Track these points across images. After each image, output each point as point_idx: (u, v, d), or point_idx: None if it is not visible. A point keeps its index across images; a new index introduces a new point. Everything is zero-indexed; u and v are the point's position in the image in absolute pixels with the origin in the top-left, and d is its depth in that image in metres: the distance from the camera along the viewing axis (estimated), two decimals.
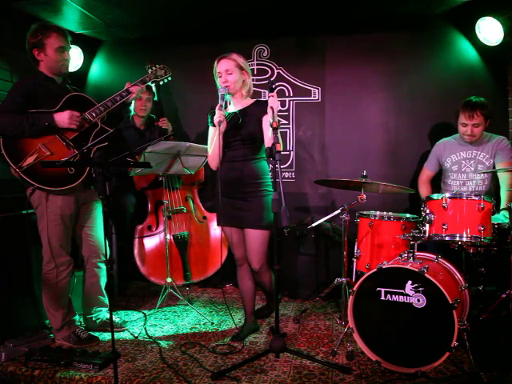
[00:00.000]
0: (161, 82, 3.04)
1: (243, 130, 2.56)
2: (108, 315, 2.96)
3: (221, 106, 2.49)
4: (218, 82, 2.61)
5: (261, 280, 2.75)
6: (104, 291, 2.90)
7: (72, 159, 2.46)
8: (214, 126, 2.62)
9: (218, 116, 2.46)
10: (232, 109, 2.67)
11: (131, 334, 2.85)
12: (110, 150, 2.72)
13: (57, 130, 2.49)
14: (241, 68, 2.57)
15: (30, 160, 2.42)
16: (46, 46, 2.51)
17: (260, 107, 2.57)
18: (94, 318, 2.87)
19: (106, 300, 2.92)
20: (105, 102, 2.65)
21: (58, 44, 2.53)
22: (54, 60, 2.54)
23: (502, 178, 3.02)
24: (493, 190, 3.08)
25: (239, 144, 2.59)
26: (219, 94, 2.54)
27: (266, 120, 2.50)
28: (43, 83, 2.56)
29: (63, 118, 2.49)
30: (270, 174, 2.65)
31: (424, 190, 3.29)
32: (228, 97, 2.62)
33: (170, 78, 3.05)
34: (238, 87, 2.59)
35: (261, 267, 2.63)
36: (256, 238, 2.58)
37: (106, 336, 2.79)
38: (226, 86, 2.55)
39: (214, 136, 2.62)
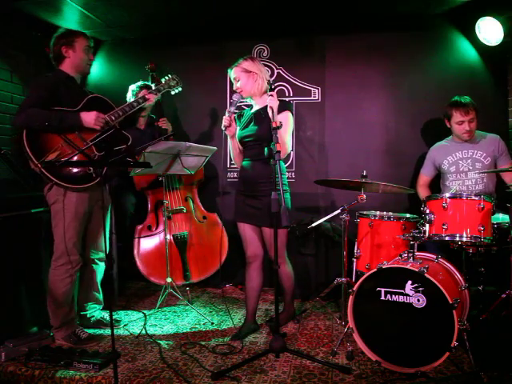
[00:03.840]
0: (172, 92, 3.14)
1: (257, 131, 2.67)
2: (102, 314, 3.00)
3: (229, 111, 2.65)
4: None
5: (280, 275, 2.78)
6: (100, 288, 2.94)
7: (72, 159, 2.47)
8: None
9: (223, 121, 2.65)
10: (254, 109, 2.80)
11: (131, 334, 2.85)
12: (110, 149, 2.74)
13: (80, 128, 2.56)
14: (247, 71, 2.69)
15: (51, 156, 2.47)
16: (75, 43, 2.64)
17: None
18: (88, 315, 2.91)
19: (101, 297, 2.96)
20: (123, 106, 2.75)
21: (85, 43, 2.68)
22: (81, 58, 2.67)
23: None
24: (492, 189, 3.09)
25: (254, 144, 2.70)
26: (232, 100, 2.69)
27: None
28: (65, 81, 2.64)
29: (90, 119, 2.55)
30: (286, 173, 2.85)
31: (423, 193, 3.29)
32: (249, 100, 2.81)
33: (180, 89, 3.16)
34: (251, 89, 2.71)
35: (280, 263, 2.63)
36: (271, 236, 2.56)
37: (106, 335, 2.79)
38: (240, 92, 2.71)
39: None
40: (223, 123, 2.64)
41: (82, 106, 2.61)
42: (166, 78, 3.11)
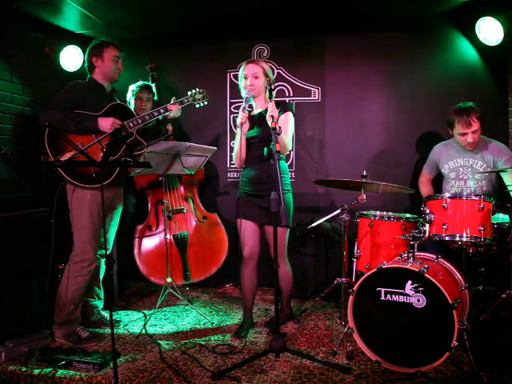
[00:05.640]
0: (197, 105, 3.12)
1: (260, 132, 2.71)
2: (103, 313, 3.01)
3: (244, 108, 2.63)
4: (243, 83, 2.75)
5: (279, 275, 2.71)
6: (101, 284, 2.97)
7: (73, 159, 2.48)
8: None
9: (240, 118, 2.63)
10: (254, 111, 2.81)
11: (131, 334, 2.85)
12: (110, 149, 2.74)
13: (97, 132, 2.67)
14: (266, 75, 2.74)
15: (67, 155, 2.57)
16: (103, 53, 2.78)
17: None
18: (87, 313, 2.92)
19: (102, 293, 2.99)
20: (143, 115, 2.84)
21: (114, 54, 2.81)
22: (109, 67, 2.79)
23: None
24: (492, 195, 3.07)
25: (257, 145, 2.72)
26: (244, 97, 2.67)
27: (280, 121, 2.60)
28: (94, 88, 2.79)
29: (106, 123, 2.66)
30: (289, 173, 2.85)
31: (425, 190, 3.29)
32: (251, 99, 2.76)
33: (206, 103, 3.12)
34: (262, 91, 2.75)
35: (279, 262, 2.64)
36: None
37: (106, 335, 2.79)
38: (251, 89, 2.70)
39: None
40: (239, 120, 2.63)
41: (103, 111, 2.72)
42: (193, 91, 3.07)
